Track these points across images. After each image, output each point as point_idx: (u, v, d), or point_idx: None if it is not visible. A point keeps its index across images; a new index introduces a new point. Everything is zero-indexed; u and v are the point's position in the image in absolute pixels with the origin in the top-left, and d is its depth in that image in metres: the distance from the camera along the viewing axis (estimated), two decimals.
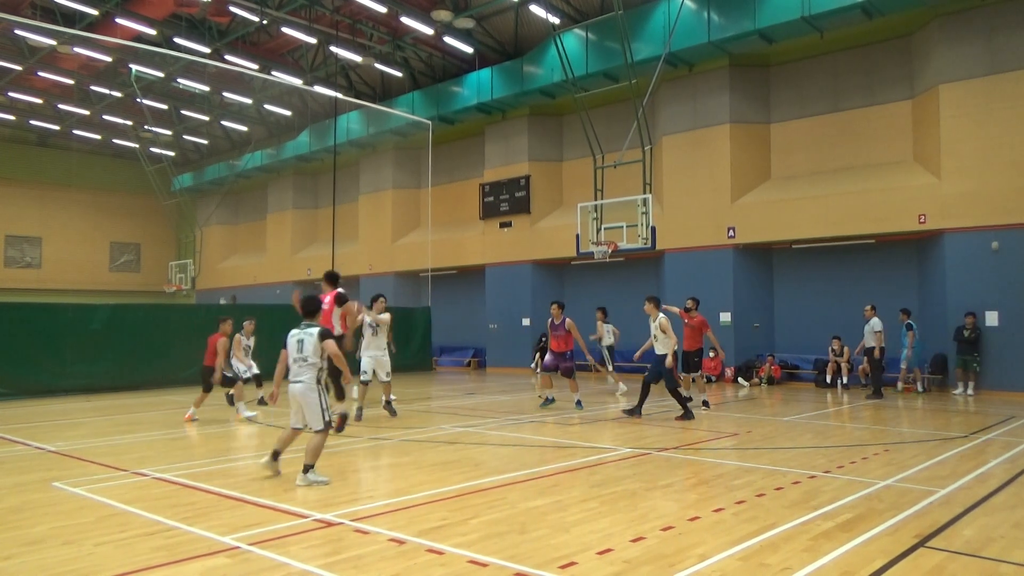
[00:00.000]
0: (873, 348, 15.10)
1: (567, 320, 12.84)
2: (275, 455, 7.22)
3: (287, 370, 6.99)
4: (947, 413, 12.80)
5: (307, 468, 6.84)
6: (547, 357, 13.19)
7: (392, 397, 12.35)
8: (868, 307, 15.47)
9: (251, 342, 13.84)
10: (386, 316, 12.02)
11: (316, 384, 6.93)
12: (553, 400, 13.68)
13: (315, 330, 7.01)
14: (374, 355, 11.79)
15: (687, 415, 11.57)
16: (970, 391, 15.55)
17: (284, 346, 7.09)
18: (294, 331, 7.06)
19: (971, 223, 16.03)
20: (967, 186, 16.10)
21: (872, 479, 7.02)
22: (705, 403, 13.02)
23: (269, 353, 19.53)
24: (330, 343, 6.97)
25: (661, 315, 11.74)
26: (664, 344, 11.71)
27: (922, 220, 16.71)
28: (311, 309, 7.32)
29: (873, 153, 18.36)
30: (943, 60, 16.50)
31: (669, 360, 11.60)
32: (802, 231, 18.61)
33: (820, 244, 19.01)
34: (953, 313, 16.05)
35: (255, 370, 13.44)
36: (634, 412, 11.93)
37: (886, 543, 4.97)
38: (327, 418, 6.94)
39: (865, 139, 18.49)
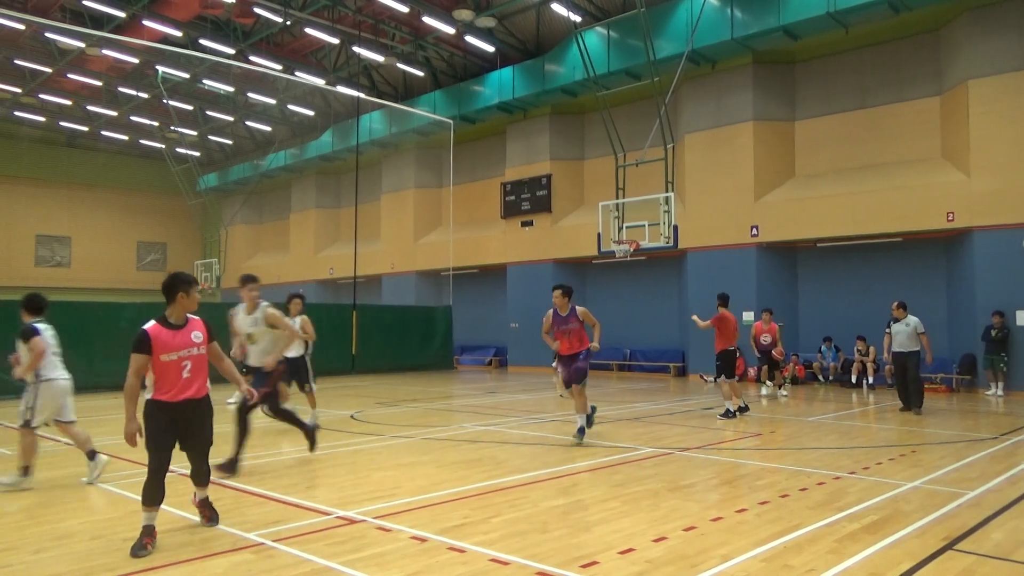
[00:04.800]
0: (916, 352, 12.26)
1: (580, 308, 9.45)
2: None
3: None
4: (976, 414, 12.59)
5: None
6: (562, 371, 10.08)
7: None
8: (896, 305, 12.54)
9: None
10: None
11: None
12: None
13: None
14: None
15: (311, 438, 8.15)
16: (1000, 392, 15.27)
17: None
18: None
19: (1001, 221, 15.75)
20: (997, 183, 15.81)
21: (899, 480, 6.92)
22: (730, 412, 11.79)
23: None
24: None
25: (264, 304, 7.74)
26: (268, 346, 7.75)
27: (950, 218, 16.45)
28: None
29: (900, 150, 18.10)
30: (972, 55, 16.21)
31: (268, 362, 7.66)
32: (827, 229, 18.39)
33: (845, 243, 18.77)
34: (982, 312, 15.78)
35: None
36: (229, 467, 7.19)
37: (913, 545, 4.90)
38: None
39: (892, 136, 18.23)
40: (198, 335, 5.13)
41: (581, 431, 9.23)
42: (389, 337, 23.29)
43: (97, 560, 4.62)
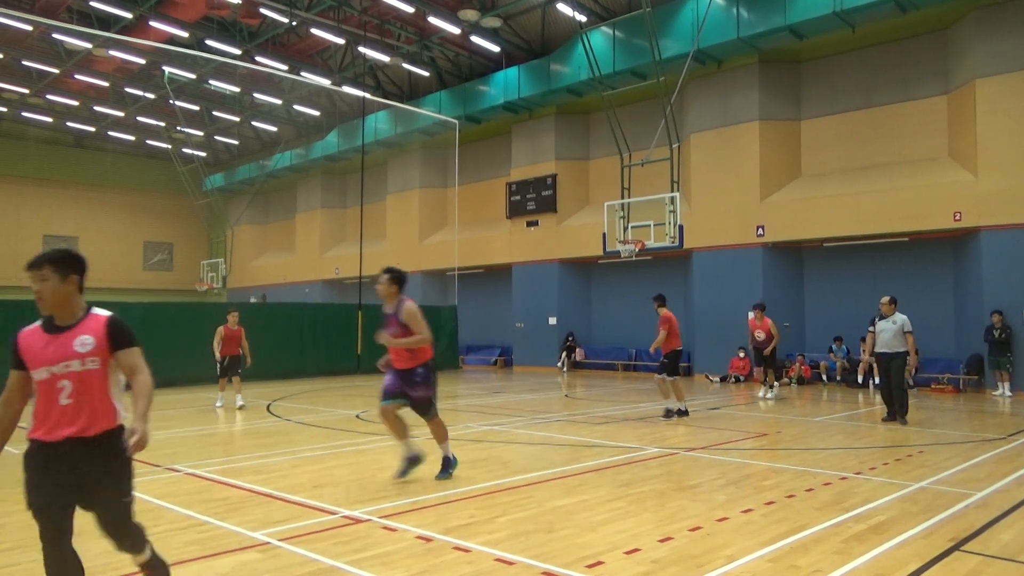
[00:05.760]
0: (903, 354, 10.87)
1: (408, 304, 7.03)
2: None
3: None
4: (983, 414, 12.53)
5: None
6: (387, 378, 7.13)
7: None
8: (886, 300, 11.12)
9: None
10: None
11: None
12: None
13: None
14: None
15: None
16: (1007, 392, 15.21)
17: None
18: None
19: (1009, 220, 15.68)
20: (1004, 183, 15.75)
21: (906, 481, 6.89)
22: (681, 411, 11.71)
23: (294, 349, 19.79)
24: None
25: None
26: None
27: (957, 218, 16.38)
28: None
29: (907, 150, 18.04)
30: (980, 54, 16.15)
31: None
32: (833, 229, 18.34)
33: (852, 243, 18.71)
34: (990, 313, 15.71)
35: None
36: None
37: (920, 546, 4.88)
38: None
39: (898, 135, 18.17)
40: (86, 341, 3.22)
41: (445, 464, 7.12)
42: None
43: (101, 560, 4.63)
